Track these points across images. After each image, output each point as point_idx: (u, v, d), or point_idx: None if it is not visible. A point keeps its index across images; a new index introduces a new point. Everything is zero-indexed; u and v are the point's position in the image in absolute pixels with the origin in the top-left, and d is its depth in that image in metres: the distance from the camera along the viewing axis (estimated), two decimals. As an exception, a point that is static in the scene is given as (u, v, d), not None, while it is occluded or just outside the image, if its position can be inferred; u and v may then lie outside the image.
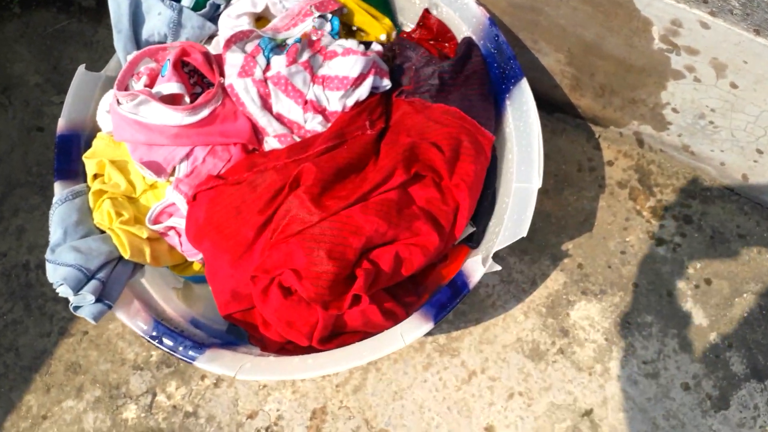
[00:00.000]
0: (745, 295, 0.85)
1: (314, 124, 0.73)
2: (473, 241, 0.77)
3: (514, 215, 0.71)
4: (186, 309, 0.78)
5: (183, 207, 0.71)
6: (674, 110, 0.82)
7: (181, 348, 0.66)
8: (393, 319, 0.71)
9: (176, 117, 0.70)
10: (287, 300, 0.65)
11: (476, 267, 0.69)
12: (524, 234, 0.69)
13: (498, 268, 0.68)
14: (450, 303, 0.67)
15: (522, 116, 0.74)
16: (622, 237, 0.89)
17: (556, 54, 0.85)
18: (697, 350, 0.83)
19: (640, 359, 0.83)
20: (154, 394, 0.86)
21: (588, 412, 0.81)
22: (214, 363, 0.65)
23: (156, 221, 0.74)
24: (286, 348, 0.72)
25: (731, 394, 0.80)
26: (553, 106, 0.97)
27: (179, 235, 0.74)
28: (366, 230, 0.64)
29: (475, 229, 0.77)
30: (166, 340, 0.67)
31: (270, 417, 0.84)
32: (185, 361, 0.65)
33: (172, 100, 0.73)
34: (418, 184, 0.71)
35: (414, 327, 0.66)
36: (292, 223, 0.64)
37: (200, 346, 0.67)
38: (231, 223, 0.67)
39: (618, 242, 0.89)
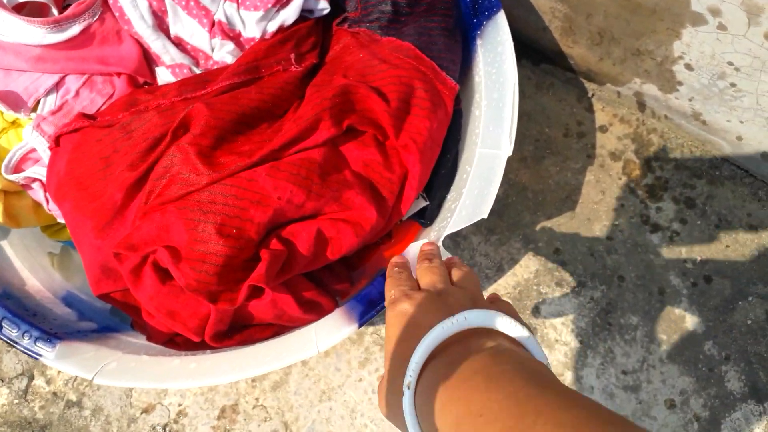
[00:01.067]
0: (750, 298, 0.70)
1: (223, 54, 0.56)
2: (425, 218, 0.61)
3: (474, 189, 0.55)
4: (61, 281, 0.62)
5: (44, 153, 0.54)
6: (688, 66, 0.65)
7: (25, 339, 0.51)
8: (316, 311, 0.56)
9: (36, 33, 0.52)
10: (166, 285, 0.50)
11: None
12: (484, 215, 0.53)
13: (447, 255, 0.53)
14: (382, 298, 0.52)
15: (495, 61, 0.58)
16: (610, 219, 0.74)
17: (548, -14, 0.67)
18: (688, 361, 0.68)
19: (620, 368, 0.69)
20: (31, 378, 0.71)
21: (552, 428, 0.68)
22: (67, 361, 0.50)
23: (17, 169, 0.57)
24: (175, 341, 0.56)
25: (724, 416, 0.67)
26: (539, 55, 0.79)
27: (45, 189, 0.57)
28: (274, 199, 0.48)
29: (428, 203, 0.61)
30: (6, 327, 0.51)
31: (169, 413, 0.69)
32: (29, 355, 0.50)
33: (38, 11, 0.56)
34: (354, 142, 0.54)
35: (332, 329, 0.50)
36: (171, 185, 0.48)
37: (52, 337, 0.51)
38: (96, 180, 0.50)
39: (605, 225, 0.74)
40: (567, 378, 0.68)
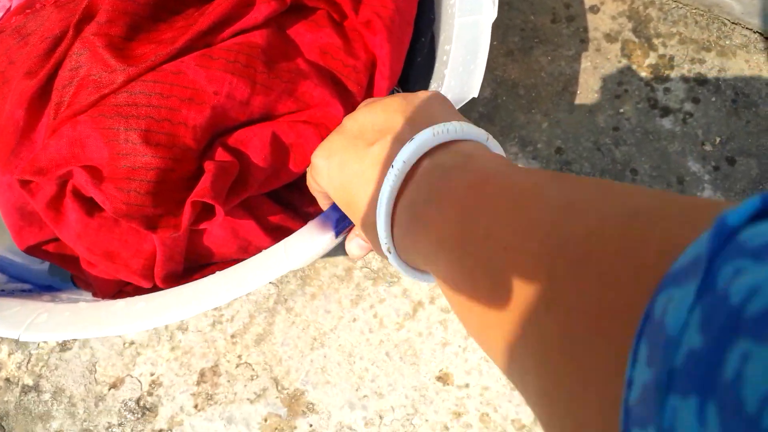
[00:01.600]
0: (781, 174, 0.62)
1: (135, -60, 0.46)
2: (404, 118, 0.52)
3: (458, 67, 0.45)
4: (-15, 244, 0.52)
5: (-71, 82, 0.44)
6: None
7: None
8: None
9: None
10: (95, 218, 0.40)
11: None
12: (474, 94, 0.44)
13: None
14: (362, 205, 0.43)
15: None
16: (614, 108, 0.65)
17: None
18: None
19: (644, 270, 0.60)
20: (-21, 365, 0.62)
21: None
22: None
23: None
24: (126, 291, 0.47)
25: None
26: (514, -66, 0.69)
27: (-59, 132, 0.47)
28: (210, 95, 0.39)
29: (405, 98, 0.51)
30: None
31: (141, 385, 0.60)
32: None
33: None
34: (304, 22, 0.45)
35: (305, 239, 0.41)
36: (81, 90, 0.38)
37: (-33, 299, 0.42)
38: (-11, 99, 0.41)
39: (609, 115, 0.65)
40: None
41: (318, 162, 0.31)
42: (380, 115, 0.30)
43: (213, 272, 0.47)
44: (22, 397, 0.61)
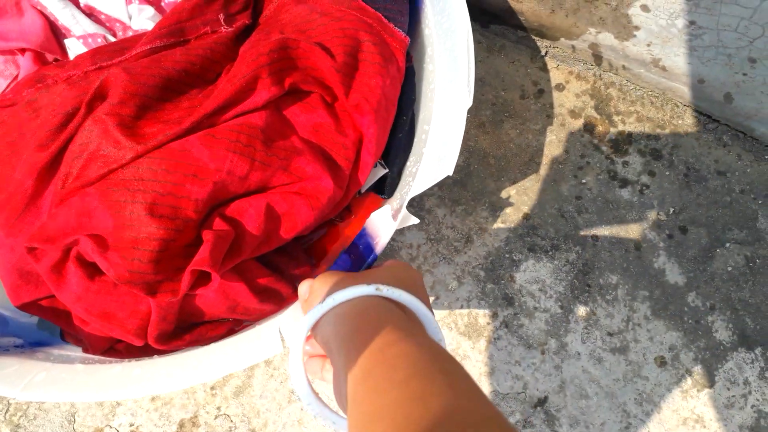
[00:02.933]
0: (727, 244, 0.68)
1: (143, 21, 0.50)
2: (385, 188, 0.56)
3: (436, 146, 0.50)
4: (-24, 298, 0.54)
5: (-62, 147, 0.47)
6: (644, 8, 0.62)
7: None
8: (274, 300, 0.50)
9: None
10: (95, 282, 0.43)
11: (384, 222, 0.48)
12: (449, 172, 0.48)
13: (415, 221, 0.48)
14: (348, 277, 0.47)
15: (445, 9, 0.53)
16: (577, 179, 0.70)
17: (491, -65, 0.63)
18: (674, 315, 0.65)
19: (605, 330, 0.65)
20: (-44, 415, 0.62)
21: (542, 402, 0.63)
22: (-16, 380, 0.42)
23: None
24: (116, 348, 0.49)
25: (716, 367, 0.64)
26: (487, 16, 0.75)
27: (-55, 191, 0.49)
28: (212, 171, 0.42)
29: (387, 170, 0.56)
30: None
31: (120, 436, 0.62)
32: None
33: None
34: (299, 104, 0.49)
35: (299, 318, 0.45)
36: (90, 164, 0.41)
37: (-35, 355, 0.43)
38: (1, 168, 0.43)
39: (572, 185, 0.70)
40: (551, 346, 0.64)
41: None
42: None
43: (202, 332, 0.50)
44: (-2, 448, 0.61)
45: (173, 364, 0.44)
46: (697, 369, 0.64)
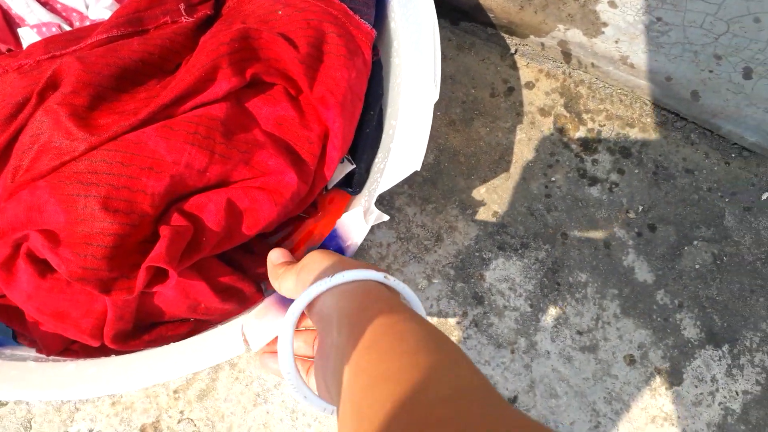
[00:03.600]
0: (695, 242, 0.68)
1: (100, 10, 0.48)
2: (353, 185, 0.55)
3: (403, 142, 0.49)
4: None
5: None
6: (611, 4, 0.62)
7: None
8: (236, 299, 0.49)
9: None
10: (47, 279, 0.41)
11: (356, 223, 0.47)
12: (417, 167, 0.47)
13: (385, 218, 0.47)
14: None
15: (410, 1, 0.52)
16: (546, 177, 0.70)
17: (460, -70, 0.63)
18: (643, 314, 0.65)
19: (574, 329, 0.64)
20: None
21: (511, 401, 0.63)
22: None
23: None
24: (72, 349, 0.47)
25: (684, 365, 0.64)
26: (457, 13, 0.75)
27: None
28: (169, 164, 0.41)
29: (354, 166, 0.55)
30: None
31: (78, 442, 0.59)
32: None
33: None
34: (261, 96, 0.47)
35: (263, 321, 0.43)
36: (41, 156, 0.39)
37: None
38: (-55, 161, 0.41)
39: (541, 183, 0.70)
40: (521, 345, 0.64)
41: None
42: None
43: (162, 332, 0.48)
44: (-51, 457, 0.59)
45: (131, 363, 0.43)
46: (666, 367, 0.64)
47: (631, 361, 0.64)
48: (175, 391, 0.61)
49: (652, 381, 0.63)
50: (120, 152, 0.39)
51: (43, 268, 0.41)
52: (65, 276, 0.38)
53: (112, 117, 0.40)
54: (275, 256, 0.44)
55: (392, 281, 0.36)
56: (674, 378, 0.63)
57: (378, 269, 0.36)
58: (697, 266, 0.67)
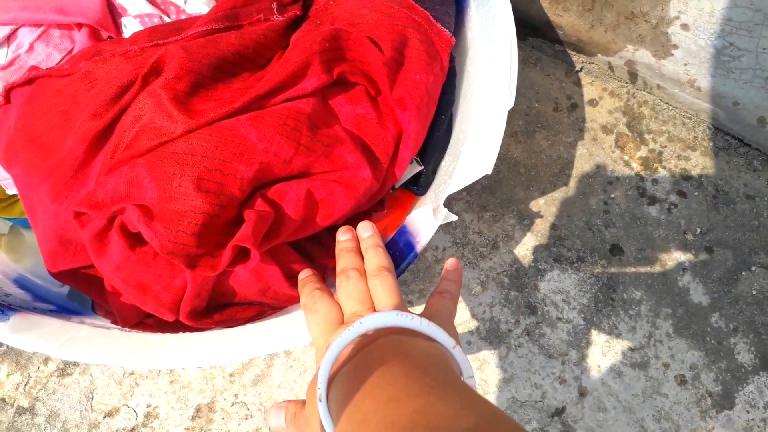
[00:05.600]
0: (753, 268, 0.67)
1: (197, 5, 0.51)
2: (419, 185, 0.56)
3: (474, 145, 0.50)
4: (10, 263, 0.55)
5: (-8, 112, 0.48)
6: (684, 27, 0.63)
7: (-28, 313, 0.43)
8: (303, 286, 0.50)
9: (-19, -25, 0.46)
10: (135, 252, 0.44)
11: (425, 220, 0.48)
12: (488, 171, 0.49)
13: (454, 217, 0.48)
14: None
15: (490, 13, 0.54)
16: (606, 193, 0.71)
17: (537, -53, 0.65)
18: (696, 335, 0.65)
19: (626, 345, 0.65)
20: (-23, 383, 0.63)
21: (559, 412, 0.63)
22: (24, 333, 0.43)
23: (-41, 135, 0.50)
24: (146, 323, 0.50)
25: (736, 389, 0.63)
26: (525, 28, 0.76)
27: (-8, 157, 0.51)
28: (259, 152, 0.43)
29: (422, 167, 0.56)
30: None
31: (136, 415, 0.62)
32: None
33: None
34: (344, 95, 0.49)
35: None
36: (141, 136, 0.42)
37: (4, 308, 0.44)
38: (53, 135, 0.44)
39: (600, 199, 0.70)
40: (572, 357, 0.64)
41: None
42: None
43: (231, 313, 0.50)
44: (15, 419, 0.62)
45: (207, 340, 0.45)
46: (717, 390, 0.63)
47: (682, 381, 0.63)
48: (231, 374, 0.63)
49: (702, 403, 0.63)
50: (215, 137, 0.42)
51: (133, 241, 0.43)
52: (157, 249, 0.41)
53: (209, 103, 0.43)
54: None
55: (429, 328, 0.34)
56: (726, 402, 0.63)
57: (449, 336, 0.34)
58: (754, 292, 0.67)
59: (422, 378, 0.28)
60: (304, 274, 0.47)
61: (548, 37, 0.76)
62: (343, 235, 0.47)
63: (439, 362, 0.31)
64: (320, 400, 0.32)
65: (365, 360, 0.32)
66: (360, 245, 0.46)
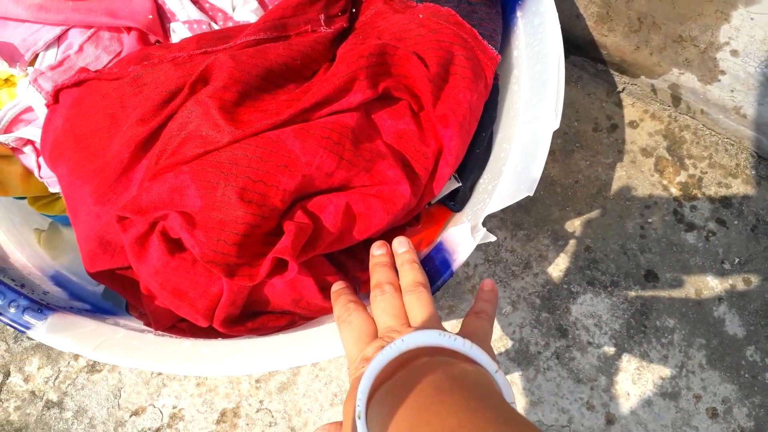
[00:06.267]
0: (792, 302, 0.66)
1: (245, 13, 0.51)
2: (456, 201, 0.56)
3: (516, 166, 0.50)
4: (47, 260, 0.55)
5: (41, 111, 0.49)
6: (734, 53, 0.62)
7: (12, 309, 0.44)
8: (336, 298, 0.50)
9: (38, -24, 0.47)
10: (175, 258, 0.44)
11: (463, 239, 0.48)
12: (530, 193, 0.48)
13: (492, 238, 0.48)
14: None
15: (537, 32, 0.53)
16: (643, 217, 0.69)
17: (586, -34, 0.64)
18: (730, 368, 0.64)
19: (657, 374, 0.63)
20: (7, 374, 0.64)
21: (583, 439, 0.62)
22: (60, 334, 0.43)
23: (7, 130, 0.51)
24: (179, 327, 0.50)
25: (769, 428, 0.62)
26: (569, 46, 0.75)
27: (38, 154, 0.51)
28: (302, 164, 0.43)
29: (460, 184, 0.56)
30: (-12, 298, 0.44)
31: (162, 415, 0.62)
32: (15, 328, 0.43)
33: (41, -44, 0.51)
34: (387, 109, 0.49)
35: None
36: (187, 143, 0.42)
37: (43, 307, 0.45)
38: (99, 137, 0.45)
39: (637, 223, 0.69)
40: (601, 383, 0.63)
41: None
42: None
43: (264, 321, 0.50)
44: (44, 412, 0.62)
45: (241, 349, 0.45)
46: (750, 426, 0.62)
47: (713, 414, 0.62)
48: (257, 381, 0.63)
49: (734, 439, 0.61)
50: (260, 148, 0.42)
51: (173, 246, 0.44)
52: (197, 256, 0.41)
53: (256, 114, 0.43)
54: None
55: (473, 351, 0.33)
56: (758, 439, 0.61)
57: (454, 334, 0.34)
58: (792, 328, 0.65)
59: (485, 411, 0.27)
60: (338, 286, 0.47)
61: (591, 56, 0.75)
62: (377, 250, 0.47)
63: (491, 391, 0.30)
64: (359, 418, 0.32)
65: (411, 381, 0.31)
66: (395, 260, 0.46)
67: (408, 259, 0.45)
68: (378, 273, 0.44)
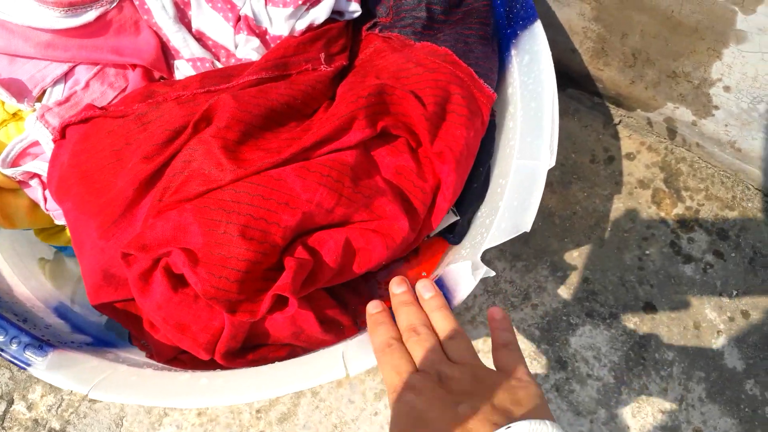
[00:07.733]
0: (791, 335, 0.66)
1: (248, 51, 0.53)
2: (454, 234, 0.57)
3: (513, 201, 0.51)
4: (52, 290, 0.56)
5: (47, 146, 0.50)
6: (726, 89, 0.63)
7: (13, 345, 0.45)
8: (335, 331, 0.51)
9: (48, 17, 0.48)
10: (178, 294, 0.45)
11: (464, 277, 0.48)
12: (527, 228, 0.49)
13: (492, 273, 0.48)
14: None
15: (532, 70, 0.55)
16: (641, 249, 0.70)
17: (581, 4, 0.65)
18: (730, 401, 0.64)
19: (656, 407, 0.63)
20: (11, 402, 0.64)
21: (583, 472, 0.62)
22: (59, 372, 0.44)
23: (14, 164, 0.52)
24: (181, 359, 0.51)
25: (769, 463, 0.62)
26: (565, 79, 0.77)
27: (44, 187, 0.53)
28: (303, 202, 0.44)
29: (458, 218, 0.57)
30: (-8, 334, 0.45)
31: (163, 447, 0.62)
32: (16, 365, 0.44)
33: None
34: (386, 147, 0.50)
35: (363, 350, 0.45)
36: (190, 181, 0.43)
37: (43, 344, 0.45)
38: (104, 174, 0.46)
39: (635, 255, 0.70)
40: (601, 416, 0.63)
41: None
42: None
43: (264, 353, 0.51)
44: (45, 442, 0.63)
45: (239, 378, 0.45)
46: (750, 460, 0.62)
47: (713, 449, 0.62)
48: (257, 411, 0.63)
49: (734, 473, 0.61)
50: (262, 186, 0.43)
51: (176, 282, 0.44)
52: (200, 293, 0.42)
53: (258, 153, 0.44)
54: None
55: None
56: (758, 474, 0.61)
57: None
58: (791, 360, 0.65)
59: None
60: (375, 309, 0.46)
61: (587, 89, 0.76)
62: (398, 288, 0.47)
63: None
64: None
65: None
66: (416, 297, 0.46)
67: (437, 305, 0.44)
68: (406, 314, 0.43)
